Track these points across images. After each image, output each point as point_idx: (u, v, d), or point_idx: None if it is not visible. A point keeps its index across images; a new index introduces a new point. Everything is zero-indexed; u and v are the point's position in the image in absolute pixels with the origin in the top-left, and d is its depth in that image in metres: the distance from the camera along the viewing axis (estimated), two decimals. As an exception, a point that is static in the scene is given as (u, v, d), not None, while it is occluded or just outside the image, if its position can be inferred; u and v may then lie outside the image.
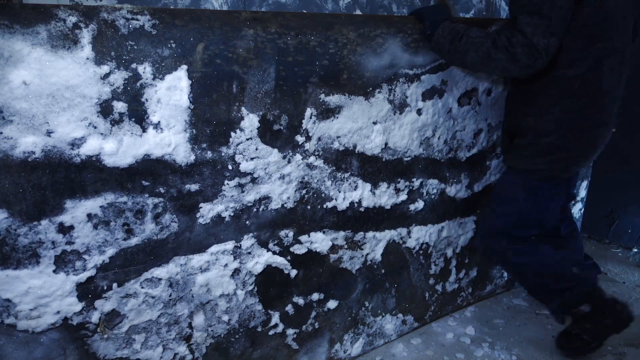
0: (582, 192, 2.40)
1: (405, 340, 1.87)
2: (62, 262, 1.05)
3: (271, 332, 1.49)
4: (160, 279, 1.20)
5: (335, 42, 1.29)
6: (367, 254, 1.63)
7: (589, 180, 2.39)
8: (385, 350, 1.81)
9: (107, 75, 0.99)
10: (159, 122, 1.07)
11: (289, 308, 1.50)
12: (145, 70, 1.03)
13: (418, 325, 1.94)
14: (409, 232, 1.72)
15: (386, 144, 1.52)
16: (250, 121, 1.21)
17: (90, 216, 1.05)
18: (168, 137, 1.09)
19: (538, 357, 1.78)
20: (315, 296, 1.55)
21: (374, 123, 1.46)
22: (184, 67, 1.07)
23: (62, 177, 0.99)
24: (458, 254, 1.94)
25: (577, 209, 2.42)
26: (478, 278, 2.08)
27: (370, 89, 1.41)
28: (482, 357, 1.77)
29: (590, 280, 1.66)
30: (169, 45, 1.04)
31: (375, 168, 1.53)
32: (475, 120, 1.73)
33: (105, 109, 1.01)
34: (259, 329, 1.45)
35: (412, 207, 1.69)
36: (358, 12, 1.88)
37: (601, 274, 2.34)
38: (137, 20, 0.99)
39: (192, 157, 1.15)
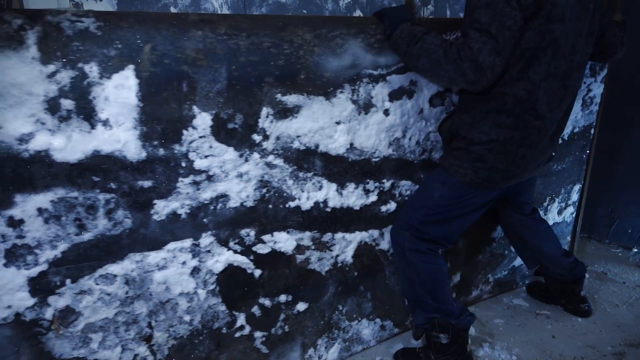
0: (574, 196, 2.33)
1: (405, 340, 1.86)
2: (13, 256, 1.08)
3: (237, 335, 1.48)
4: (115, 276, 1.22)
5: (290, 43, 1.32)
6: (337, 256, 1.63)
7: (581, 184, 2.33)
8: (384, 350, 1.82)
9: (53, 74, 1.04)
10: (108, 119, 1.11)
11: (255, 309, 1.49)
12: (92, 69, 1.07)
13: (398, 331, 1.90)
14: (382, 234, 1.71)
15: (352, 144, 1.53)
16: (203, 119, 1.24)
17: (40, 210, 1.09)
18: (117, 133, 1.13)
19: (538, 357, 1.78)
20: (283, 298, 1.54)
21: (337, 123, 1.48)
22: (131, 66, 1.11)
23: (10, 171, 1.04)
24: (438, 258, 1.90)
25: (568, 213, 2.35)
26: (462, 283, 2.03)
27: (331, 89, 1.43)
28: (482, 357, 1.77)
29: (465, 320, 1.65)
30: (115, 46, 1.08)
31: (341, 168, 1.53)
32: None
33: (52, 106, 1.05)
34: (224, 331, 1.45)
35: (383, 208, 1.68)
36: (358, 12, 1.89)
37: (594, 273, 2.26)
38: (82, 22, 1.04)
39: (144, 154, 1.18)
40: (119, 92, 1.11)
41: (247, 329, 1.49)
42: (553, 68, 1.39)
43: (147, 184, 1.20)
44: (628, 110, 2.55)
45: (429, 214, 1.57)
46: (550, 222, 2.27)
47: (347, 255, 1.65)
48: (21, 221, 1.07)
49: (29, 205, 1.07)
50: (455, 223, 1.60)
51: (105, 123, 1.11)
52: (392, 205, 1.69)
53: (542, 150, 1.53)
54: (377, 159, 1.60)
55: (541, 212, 2.22)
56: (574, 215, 2.38)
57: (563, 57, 1.40)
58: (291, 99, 1.37)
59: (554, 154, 1.64)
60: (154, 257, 1.26)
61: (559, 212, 2.30)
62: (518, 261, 2.24)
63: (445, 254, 1.92)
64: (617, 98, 2.51)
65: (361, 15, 1.78)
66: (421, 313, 1.66)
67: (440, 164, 1.58)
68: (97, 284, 1.20)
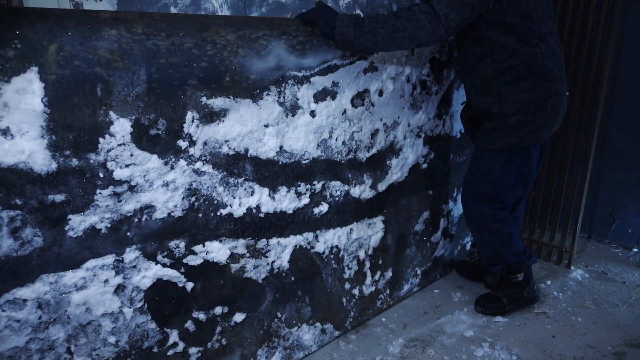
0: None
1: (405, 337, 1.89)
2: None
3: (170, 352, 1.39)
4: (25, 300, 1.09)
5: (213, 44, 1.28)
6: (273, 262, 1.59)
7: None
8: (384, 349, 1.86)
9: (-62, 78, 0.91)
10: (8, 127, 1.00)
11: (189, 324, 1.42)
12: (-13, 72, 0.96)
13: (339, 334, 1.90)
14: (316, 237, 1.70)
15: (281, 147, 1.51)
16: (122, 126, 1.15)
17: None
18: (20, 143, 1.01)
19: (538, 357, 1.79)
20: (218, 310, 1.47)
21: (266, 126, 1.45)
22: (35, 68, 1.01)
23: None
24: (371, 256, 1.94)
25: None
26: (394, 279, 2.09)
27: (258, 91, 1.41)
28: (482, 357, 1.79)
29: (534, 257, 2.11)
30: (14, 46, 0.98)
31: (271, 172, 1.51)
32: (371, 120, 1.77)
33: (-61, 114, 0.92)
34: (155, 350, 1.36)
35: (316, 210, 1.67)
36: (358, 11, 1.88)
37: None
38: (-28, 18, 0.92)
39: (54, 165, 1.07)
40: (21, 98, 1.00)
41: (181, 346, 1.41)
42: (543, 29, 1.65)
43: (59, 197, 1.09)
44: (628, 109, 2.57)
45: (500, 186, 1.89)
46: (459, 211, 2.43)
47: (284, 261, 1.62)
48: None
49: None
50: (524, 181, 1.91)
51: (5, 132, 1.00)
52: (324, 207, 1.69)
53: (562, 95, 1.79)
54: (307, 161, 1.60)
55: (450, 203, 2.36)
56: None
57: (543, 20, 1.65)
58: (217, 102, 1.32)
59: (567, 93, 1.88)
60: (70, 277, 1.15)
61: None
62: (439, 251, 2.35)
63: (375, 250, 1.96)
64: (617, 98, 2.57)
65: (361, 15, 1.77)
66: (501, 264, 2.06)
67: (486, 147, 1.85)
68: (4, 311, 1.07)
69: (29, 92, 1.00)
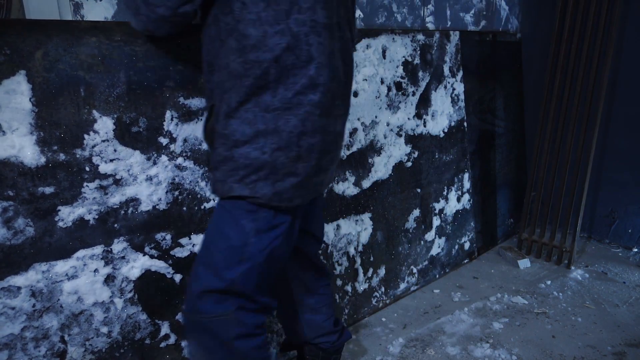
0: (467, 184, 2.54)
1: (406, 337, 1.90)
2: None
3: (163, 345, 1.44)
4: (19, 288, 1.17)
5: (187, 49, 1.40)
6: (261, 256, 1.65)
7: (469, 173, 2.55)
8: (384, 349, 1.85)
9: (-63, 81, 1.03)
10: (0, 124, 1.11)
11: (180, 317, 1.47)
12: (-21, 75, 1.08)
13: (334, 331, 1.91)
14: (302, 232, 1.76)
15: (260, 144, 1.60)
16: (104, 123, 1.26)
17: None
18: (11, 138, 1.12)
19: (538, 357, 1.79)
20: (208, 302, 1.52)
21: (243, 125, 1.55)
22: (23, 72, 1.13)
23: None
24: (361, 252, 1.98)
25: (466, 200, 2.55)
26: (388, 276, 2.12)
27: (233, 93, 1.52)
28: (482, 357, 1.79)
29: None
30: (3, 52, 1.10)
31: (252, 168, 1.59)
32: (349, 119, 1.87)
33: (-62, 113, 1.04)
34: (148, 342, 1.41)
35: (300, 205, 1.74)
36: (358, 11, 1.91)
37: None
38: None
39: (43, 160, 1.18)
40: (11, 98, 1.12)
41: (173, 338, 1.46)
42: (322, 18, 1.02)
43: (48, 190, 1.19)
44: (628, 109, 2.56)
45: (249, 268, 1.11)
46: (452, 210, 2.46)
47: (270, 254, 1.68)
48: None
49: None
50: (275, 258, 1.15)
51: (-2, 128, 1.11)
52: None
53: (334, 140, 1.15)
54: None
55: (442, 202, 2.40)
56: (470, 201, 2.57)
57: (330, 7, 1.06)
58: (194, 102, 1.43)
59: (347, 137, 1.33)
60: (61, 266, 1.23)
61: (458, 200, 2.49)
62: (435, 250, 2.37)
63: (366, 247, 2.00)
64: (617, 98, 2.58)
65: (361, 15, 1.85)
66: None
67: (214, 191, 1.15)
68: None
69: (18, 92, 1.12)
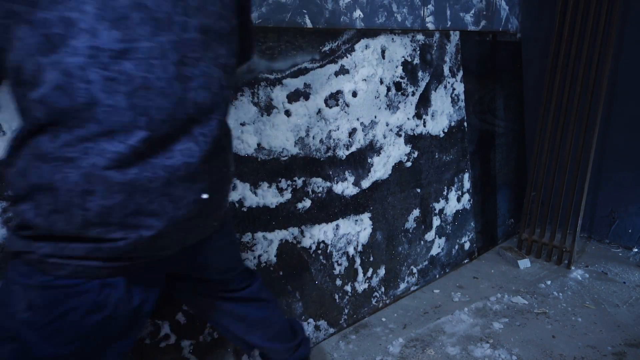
0: (467, 184, 2.54)
1: (406, 337, 1.91)
2: None
3: (163, 344, 1.45)
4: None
5: (186, 51, 1.41)
6: (260, 256, 1.66)
7: (469, 173, 2.55)
8: (384, 349, 1.85)
9: None
10: None
11: (180, 317, 1.48)
12: None
13: (334, 331, 1.92)
14: (301, 232, 1.77)
15: (259, 144, 1.61)
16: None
17: None
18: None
19: (538, 357, 1.79)
20: (207, 302, 1.53)
21: (242, 124, 1.56)
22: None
23: None
24: (361, 252, 1.99)
25: (466, 200, 2.55)
26: (388, 276, 2.12)
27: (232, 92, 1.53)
28: (482, 357, 1.79)
29: None
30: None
31: (251, 168, 1.60)
32: (347, 120, 1.87)
33: None
34: (148, 341, 1.41)
35: (299, 205, 1.75)
36: (358, 11, 1.92)
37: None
38: None
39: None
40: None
41: (173, 338, 1.46)
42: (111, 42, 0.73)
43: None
44: (628, 109, 2.55)
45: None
46: (452, 210, 2.46)
47: (271, 255, 1.68)
48: None
49: None
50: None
51: None
52: (307, 203, 1.77)
53: (137, 195, 0.79)
54: (286, 158, 1.69)
55: (441, 202, 2.39)
56: (470, 202, 2.58)
57: (160, 25, 0.77)
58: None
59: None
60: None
61: (458, 200, 2.49)
62: (435, 250, 2.38)
63: (365, 247, 2.00)
64: (617, 98, 2.56)
65: (361, 15, 1.88)
66: None
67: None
68: None
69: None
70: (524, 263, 2.53)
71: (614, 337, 1.89)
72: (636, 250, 2.65)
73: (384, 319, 2.06)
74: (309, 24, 1.73)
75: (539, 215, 2.67)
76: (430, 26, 2.28)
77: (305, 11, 1.65)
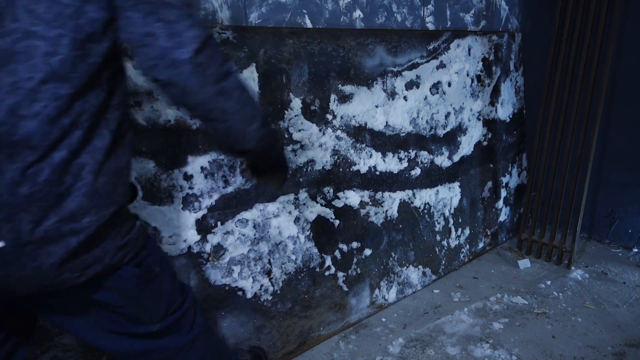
0: (524, 162, 2.96)
1: (405, 337, 2.19)
2: (187, 203, 1.47)
3: (327, 274, 1.88)
4: (247, 220, 1.62)
5: (343, 48, 1.86)
6: (387, 211, 2.09)
7: (526, 152, 2.97)
8: (384, 349, 1.85)
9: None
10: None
11: (337, 253, 1.91)
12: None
13: (435, 278, 2.35)
14: (413, 194, 2.20)
15: (387, 122, 2.05)
16: (296, 103, 1.71)
17: (202, 168, 1.49)
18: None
19: (538, 357, 1.79)
20: (354, 244, 1.97)
21: (376, 106, 2.00)
22: (254, 64, 1.58)
23: (185, 139, 1.45)
24: (453, 214, 2.42)
25: (524, 176, 2.97)
26: (471, 236, 2.55)
27: (370, 81, 1.97)
28: (482, 358, 1.80)
29: None
30: (244, 51, 1.56)
31: (382, 141, 2.04)
32: (444, 105, 2.31)
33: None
34: (317, 270, 1.85)
35: (412, 173, 2.18)
36: (358, 11, 1.96)
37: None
38: (225, 33, 1.51)
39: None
40: (248, 82, 1.57)
41: (333, 269, 1.90)
42: None
43: (265, 150, 1.64)
44: (628, 109, 2.54)
45: None
46: (514, 184, 2.88)
47: (394, 211, 2.12)
48: (191, 176, 1.47)
49: (196, 164, 1.48)
50: None
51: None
52: (417, 171, 2.20)
53: None
54: (404, 134, 2.13)
55: (507, 176, 2.81)
56: (527, 177, 2.97)
57: None
58: (347, 88, 1.88)
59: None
60: (271, 207, 1.68)
61: (518, 175, 2.93)
62: (502, 217, 2.80)
63: (456, 210, 2.43)
64: (617, 98, 2.56)
65: (361, 15, 2.03)
66: None
67: None
68: (236, 226, 1.59)
69: (250, 79, 1.58)
70: (524, 263, 2.52)
71: (614, 337, 1.89)
72: (636, 250, 2.64)
73: (384, 319, 2.06)
74: (309, 24, 1.80)
75: (538, 215, 2.67)
76: (430, 26, 2.31)
77: (305, 11, 1.77)
